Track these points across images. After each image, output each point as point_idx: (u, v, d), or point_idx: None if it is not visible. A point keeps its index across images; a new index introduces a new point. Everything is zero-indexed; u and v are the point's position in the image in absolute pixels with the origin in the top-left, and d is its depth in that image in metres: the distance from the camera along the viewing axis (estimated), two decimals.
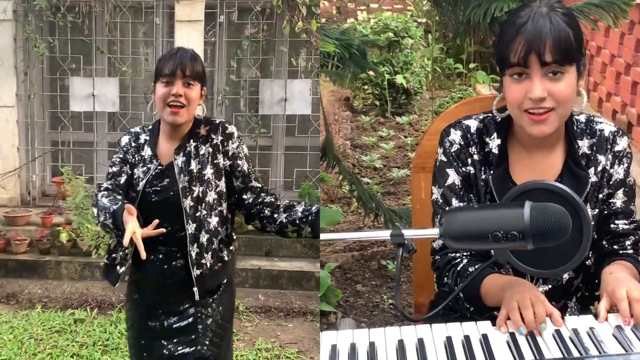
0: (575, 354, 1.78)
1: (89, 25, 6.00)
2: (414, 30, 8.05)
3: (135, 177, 2.62)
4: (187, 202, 2.54)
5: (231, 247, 2.69)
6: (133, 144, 2.67)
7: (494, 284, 2.08)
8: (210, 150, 2.60)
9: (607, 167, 2.20)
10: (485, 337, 1.86)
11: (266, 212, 2.61)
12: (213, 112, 6.18)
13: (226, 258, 2.64)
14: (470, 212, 1.79)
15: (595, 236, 2.19)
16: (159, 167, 2.61)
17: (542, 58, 1.98)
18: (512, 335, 1.86)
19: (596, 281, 2.24)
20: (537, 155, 2.18)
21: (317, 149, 6.11)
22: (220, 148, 2.60)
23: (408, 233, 1.81)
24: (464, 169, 2.22)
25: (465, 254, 2.22)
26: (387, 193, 6.16)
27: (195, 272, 2.54)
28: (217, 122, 2.66)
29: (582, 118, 2.22)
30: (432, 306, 2.49)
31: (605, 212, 2.21)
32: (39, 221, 5.85)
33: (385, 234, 1.82)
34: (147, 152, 2.65)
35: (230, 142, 2.61)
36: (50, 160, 6.48)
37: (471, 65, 8.80)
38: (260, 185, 2.66)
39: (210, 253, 2.56)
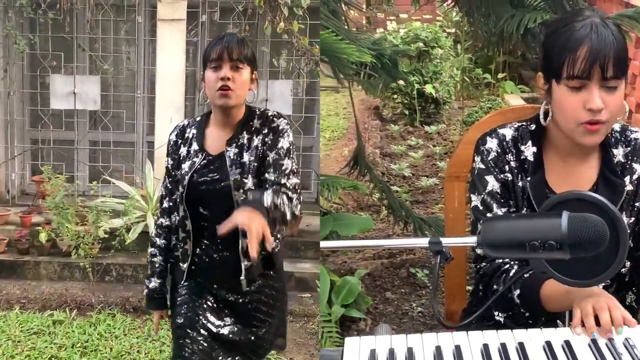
0: None
1: (70, 22, 5.89)
2: (444, 41, 8.07)
3: (183, 171, 2.65)
4: (239, 195, 2.55)
5: (278, 236, 2.75)
6: (180, 141, 2.73)
7: (558, 289, 2.06)
8: (260, 143, 2.61)
9: None
10: (521, 345, 1.88)
11: None
12: (195, 112, 6.15)
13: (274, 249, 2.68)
14: (507, 221, 1.81)
15: (632, 245, 2.20)
16: (209, 158, 2.64)
17: (605, 71, 2.00)
18: (549, 343, 1.88)
19: (634, 289, 2.26)
20: (573, 163, 2.20)
21: (297, 150, 6.04)
22: (265, 140, 2.61)
23: (446, 241, 1.84)
24: (502, 175, 2.24)
25: (514, 260, 2.22)
26: (416, 202, 6.18)
27: (245, 264, 2.58)
28: (270, 114, 2.69)
29: (617, 127, 2.24)
30: (465, 314, 2.51)
31: None
32: (18, 220, 5.76)
33: (423, 242, 1.85)
34: (194, 146, 2.68)
35: (271, 134, 2.62)
36: (30, 159, 6.38)
37: (499, 76, 8.79)
38: (275, 179, 2.58)
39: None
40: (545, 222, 1.73)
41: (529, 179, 2.21)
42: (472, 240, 1.83)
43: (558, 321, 2.14)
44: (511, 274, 2.19)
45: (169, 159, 2.76)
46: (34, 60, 6.28)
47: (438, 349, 1.87)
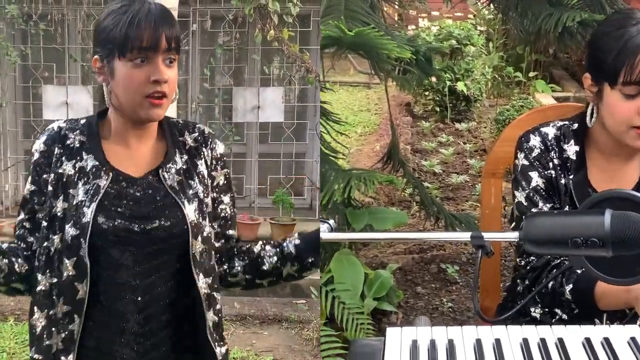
0: None
1: (62, 33, 5.97)
2: (476, 38, 8.07)
3: (74, 202, 1.77)
4: (198, 246, 1.83)
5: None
6: (56, 149, 1.83)
7: (615, 286, 2.05)
8: (205, 172, 1.92)
9: None
10: (561, 340, 1.90)
11: (236, 264, 2.01)
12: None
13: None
14: (550, 217, 1.83)
15: None
16: (123, 180, 1.82)
17: None
18: (588, 340, 1.89)
19: None
20: (616, 163, 2.22)
21: (290, 156, 6.21)
22: (213, 175, 1.95)
23: (488, 235, 1.86)
24: (546, 172, 2.25)
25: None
26: (446, 198, 6.20)
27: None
28: (204, 130, 1.96)
29: None
30: (500, 309, 2.53)
31: None
32: (11, 231, 5.55)
33: (465, 236, 1.88)
34: (88, 161, 1.82)
35: (216, 163, 1.94)
36: (24, 170, 6.32)
37: (530, 74, 8.77)
38: (235, 235, 2.02)
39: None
40: (588, 220, 1.74)
41: (571, 177, 2.23)
42: (514, 235, 1.84)
43: (596, 320, 2.15)
44: (563, 267, 2.19)
45: (32, 181, 1.84)
46: (26, 71, 6.29)
47: (478, 341, 1.89)
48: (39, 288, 1.81)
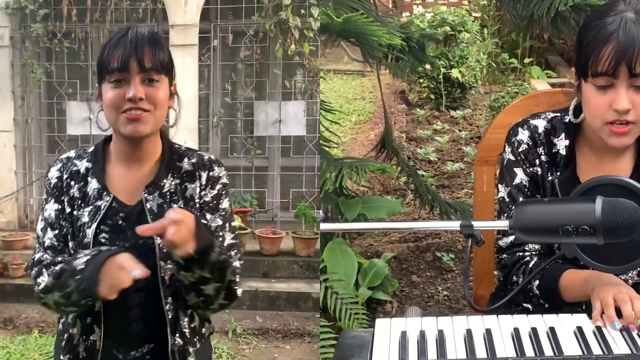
0: None
1: (85, 50, 6.15)
2: (471, 25, 8.02)
3: (78, 223, 1.94)
4: (166, 268, 1.91)
5: (203, 330, 2.12)
6: (66, 176, 1.99)
7: (575, 278, 2.07)
8: (196, 195, 1.98)
9: None
10: (552, 329, 1.87)
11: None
12: (209, 135, 6.35)
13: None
14: (540, 205, 1.80)
15: None
16: (118, 205, 1.95)
17: (633, 69, 1.93)
18: (580, 328, 1.87)
19: None
20: (606, 158, 2.16)
21: (312, 169, 6.22)
22: (202, 195, 1.99)
23: (478, 224, 1.84)
24: (531, 169, 2.21)
25: (534, 252, 2.21)
26: (442, 186, 6.17)
27: None
28: (205, 157, 2.04)
29: None
30: (493, 298, 2.50)
31: None
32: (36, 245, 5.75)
33: (455, 225, 1.85)
34: (92, 185, 1.97)
35: (210, 187, 1.97)
36: None
37: (526, 60, 8.73)
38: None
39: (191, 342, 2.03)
40: (579, 207, 1.72)
41: (559, 174, 2.18)
42: (503, 224, 1.82)
43: (579, 309, 2.12)
44: (531, 265, 2.18)
45: (51, 202, 1.98)
46: (51, 88, 6.45)
47: (469, 332, 1.87)
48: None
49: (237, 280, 1.96)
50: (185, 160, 2.02)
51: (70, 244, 1.95)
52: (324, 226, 1.84)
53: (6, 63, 6.33)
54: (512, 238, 2.22)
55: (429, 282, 4.56)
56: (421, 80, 8.10)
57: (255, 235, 5.81)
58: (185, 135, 5.97)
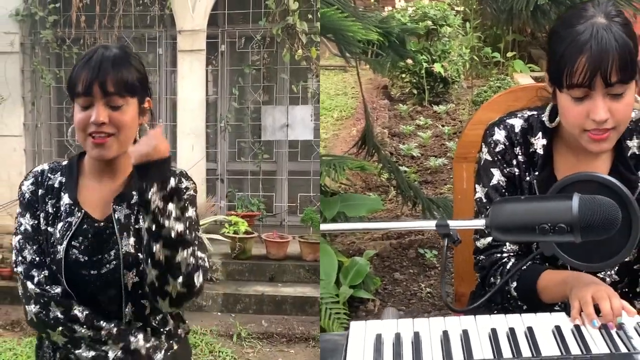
0: (623, 349, 1.75)
1: None
2: (453, 19, 7.98)
3: (52, 239, 1.95)
4: (131, 277, 1.92)
5: (179, 331, 2.10)
6: (39, 190, 1.99)
7: (553, 279, 2.04)
8: None
9: None
10: (530, 329, 1.84)
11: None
12: (217, 139, 6.45)
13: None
14: (517, 203, 1.77)
15: None
16: (88, 221, 1.95)
17: (608, 79, 1.89)
18: (558, 328, 1.84)
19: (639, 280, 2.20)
20: (584, 157, 2.11)
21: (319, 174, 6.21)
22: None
23: (454, 224, 1.81)
24: (508, 169, 2.17)
25: (512, 253, 2.18)
26: (425, 182, 6.14)
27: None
28: (177, 172, 2.01)
29: (632, 115, 2.10)
30: (473, 296, 2.47)
31: None
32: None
33: (430, 224, 1.82)
34: (64, 200, 1.97)
35: (176, 197, 1.85)
36: None
37: (509, 54, 8.70)
38: None
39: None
40: (556, 205, 1.70)
41: (536, 174, 2.15)
42: (480, 223, 1.80)
43: (556, 308, 2.10)
44: (508, 267, 2.15)
45: (27, 216, 1.98)
46: (60, 93, 6.53)
47: (445, 333, 1.83)
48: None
49: (199, 272, 1.86)
50: None
51: (47, 260, 1.96)
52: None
53: (16, 69, 6.47)
54: (489, 239, 2.19)
55: (411, 279, 4.53)
56: (403, 75, 8.07)
57: (262, 239, 5.84)
58: (192, 139, 6.17)
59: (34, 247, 1.96)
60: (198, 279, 1.85)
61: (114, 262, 1.92)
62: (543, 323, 1.88)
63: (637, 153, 2.12)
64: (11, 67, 6.42)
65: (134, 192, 1.92)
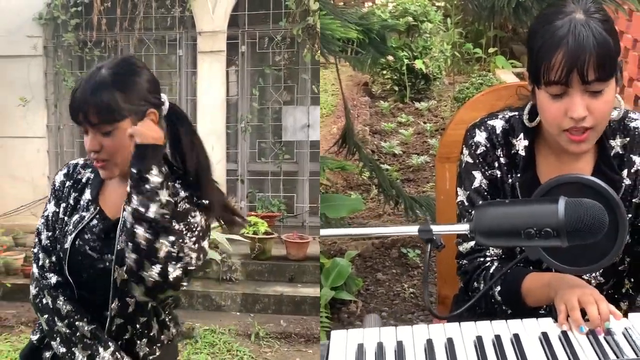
0: (611, 355, 1.71)
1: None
2: (433, 15, 7.94)
3: (65, 229, 2.05)
4: (121, 273, 1.95)
5: (162, 337, 2.11)
6: (67, 182, 2.10)
7: (537, 282, 2.00)
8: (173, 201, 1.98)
9: None
10: (516, 336, 1.79)
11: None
12: (237, 140, 6.54)
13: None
14: (501, 207, 1.72)
15: (630, 241, 2.09)
16: (102, 220, 2.02)
17: (585, 76, 1.85)
18: (545, 334, 1.80)
19: (624, 280, 2.17)
20: (566, 158, 2.07)
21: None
22: (178, 202, 1.99)
23: (437, 229, 1.75)
24: (490, 172, 2.13)
25: (495, 257, 2.14)
26: (407, 180, 6.10)
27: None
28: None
29: (615, 114, 2.05)
30: (456, 301, 2.43)
31: None
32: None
33: (413, 230, 1.77)
34: (85, 195, 2.07)
35: (185, 201, 1.97)
36: None
37: (490, 50, 8.68)
38: None
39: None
40: (541, 208, 1.66)
41: (519, 175, 2.11)
42: (463, 227, 1.75)
43: (541, 312, 2.05)
44: (491, 271, 2.11)
45: (52, 204, 2.10)
46: None
47: (429, 342, 1.78)
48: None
49: (177, 264, 1.86)
50: (176, 177, 2.04)
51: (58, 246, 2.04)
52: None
53: (40, 72, 6.65)
54: (472, 243, 2.15)
55: (394, 279, 4.49)
56: (384, 72, 8.02)
57: (282, 240, 5.85)
58: (213, 140, 6.19)
59: (49, 233, 2.07)
60: (175, 271, 1.84)
61: (113, 259, 1.97)
62: (529, 329, 1.83)
63: (621, 152, 2.08)
64: (34, 70, 6.61)
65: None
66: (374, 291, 4.36)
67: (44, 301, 2.01)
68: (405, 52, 7.70)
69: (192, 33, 6.51)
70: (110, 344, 1.98)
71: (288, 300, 5.31)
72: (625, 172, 2.07)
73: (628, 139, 2.08)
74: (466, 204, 2.15)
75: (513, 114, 2.14)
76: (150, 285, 1.84)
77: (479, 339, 1.79)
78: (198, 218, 1.96)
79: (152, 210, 1.84)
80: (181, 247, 1.87)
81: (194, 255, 1.90)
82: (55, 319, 1.98)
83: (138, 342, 2.04)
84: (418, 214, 4.57)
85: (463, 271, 2.18)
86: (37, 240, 2.09)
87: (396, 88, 8.05)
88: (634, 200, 2.08)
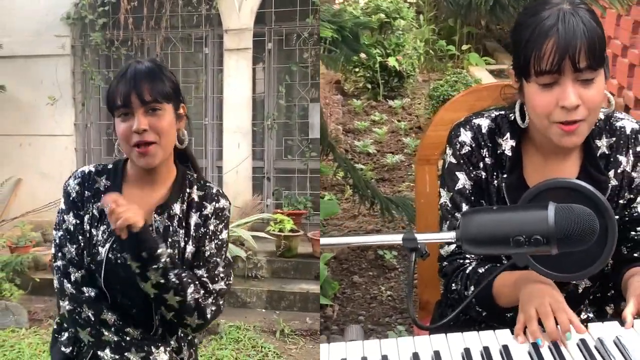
0: None
1: (142, 57, 6.28)
2: (406, 11, 7.87)
3: (93, 240, 2.04)
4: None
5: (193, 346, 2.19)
6: (86, 192, 2.07)
7: (507, 281, 1.94)
8: (201, 223, 2.07)
9: (628, 170, 2.04)
10: (505, 348, 1.74)
11: None
12: (264, 137, 6.57)
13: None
14: (489, 214, 1.66)
15: None
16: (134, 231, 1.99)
17: (577, 63, 1.81)
18: (534, 345, 1.73)
19: (610, 284, 2.12)
20: (554, 159, 2.03)
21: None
22: (207, 223, 2.08)
23: (421, 237, 1.69)
24: (475, 172, 2.07)
25: (474, 259, 2.08)
26: (382, 179, 6.03)
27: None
28: (214, 189, 2.14)
29: (601, 114, 2.02)
30: (438, 306, 2.37)
31: (627, 218, 2.06)
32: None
33: (397, 238, 1.70)
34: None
35: (214, 218, 2.08)
36: None
37: (464, 47, 8.64)
38: (211, 288, 2.05)
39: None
40: (531, 215, 1.61)
41: (505, 176, 2.05)
42: (450, 235, 1.69)
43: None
44: (467, 271, 2.06)
45: (71, 215, 2.06)
46: None
47: (415, 355, 1.72)
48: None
49: (213, 301, 2.04)
50: (195, 188, 2.11)
51: (86, 260, 2.03)
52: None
53: (67, 71, 6.81)
54: (453, 246, 2.10)
55: (371, 282, 4.42)
56: (357, 70, 7.96)
57: (308, 237, 5.82)
58: (239, 138, 6.33)
59: (74, 246, 2.04)
60: (210, 307, 2.03)
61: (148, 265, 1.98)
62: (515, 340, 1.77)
63: (607, 153, 2.04)
64: (62, 69, 6.77)
65: (175, 205, 2.06)
66: (350, 294, 4.29)
67: (83, 315, 2.01)
68: (378, 49, 7.63)
69: (218, 31, 6.58)
70: (160, 344, 2.04)
71: (314, 298, 5.27)
72: (611, 173, 2.03)
73: (614, 138, 2.04)
74: (449, 205, 2.10)
75: (500, 112, 2.09)
76: (195, 326, 2.02)
77: (467, 351, 1.73)
78: (224, 234, 2.10)
79: (172, 279, 1.94)
80: (212, 277, 2.05)
81: (223, 280, 2.08)
82: (102, 329, 2.00)
83: (182, 345, 2.12)
84: (395, 215, 4.51)
85: (443, 273, 2.14)
86: (59, 253, 2.06)
87: (369, 86, 7.98)
88: (620, 201, 2.05)
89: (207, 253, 2.06)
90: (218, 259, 2.08)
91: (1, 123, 6.75)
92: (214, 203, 2.09)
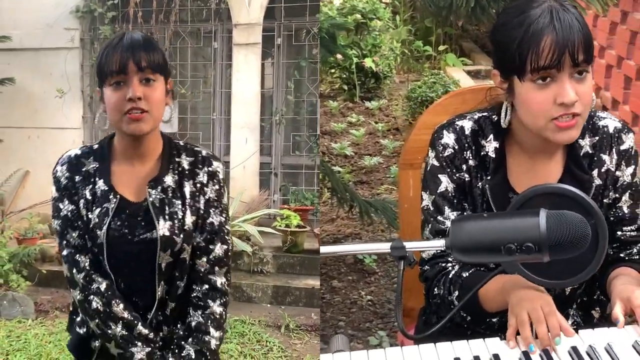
0: None
1: None
2: (382, 12, 7.84)
3: (91, 224, 2.03)
4: (165, 258, 2.02)
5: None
6: (76, 176, 2.07)
7: (493, 286, 1.90)
8: (195, 189, 2.08)
9: (612, 169, 2.04)
10: (496, 357, 1.70)
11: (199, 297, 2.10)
12: (272, 132, 6.52)
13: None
14: (479, 221, 1.63)
15: None
16: (125, 204, 2.04)
17: (576, 57, 1.80)
18: (525, 353, 1.71)
19: (596, 284, 2.10)
20: (538, 159, 2.01)
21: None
22: (205, 190, 2.08)
23: (410, 245, 1.65)
24: (458, 175, 2.04)
25: (456, 262, 2.05)
26: (360, 182, 6.00)
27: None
28: (203, 153, 2.13)
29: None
30: (422, 313, 2.33)
31: (612, 218, 2.06)
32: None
33: (385, 247, 1.66)
34: (99, 185, 2.06)
35: (211, 184, 2.09)
36: None
37: (440, 48, 8.64)
38: (217, 253, 2.10)
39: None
40: (522, 222, 1.58)
41: (489, 178, 2.02)
42: (439, 243, 1.65)
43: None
44: (450, 276, 2.03)
45: (66, 202, 2.07)
46: None
47: None
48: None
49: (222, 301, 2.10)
50: (184, 156, 2.11)
51: (88, 243, 2.04)
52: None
53: (76, 64, 6.76)
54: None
55: (351, 286, 4.39)
56: (333, 71, 7.93)
57: (314, 233, 5.75)
58: (247, 133, 6.32)
59: (76, 232, 2.05)
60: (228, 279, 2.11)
61: (150, 244, 2.01)
62: (509, 349, 1.74)
63: (590, 152, 2.04)
64: (71, 62, 6.73)
65: (166, 176, 2.05)
66: (330, 299, 4.25)
67: (94, 306, 2.02)
68: (355, 50, 7.61)
69: (227, 25, 6.52)
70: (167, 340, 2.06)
71: (319, 294, 5.19)
72: (595, 172, 2.03)
73: (597, 137, 2.04)
74: (431, 209, 2.07)
75: (482, 114, 2.07)
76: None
77: None
78: (224, 197, 2.12)
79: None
80: (226, 252, 2.10)
81: (228, 244, 2.12)
82: (110, 323, 2.01)
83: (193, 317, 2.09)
84: (374, 218, 4.47)
85: (425, 277, 2.11)
86: (63, 242, 2.08)
87: (345, 87, 7.96)
88: (604, 200, 2.04)
89: (216, 224, 2.08)
90: (226, 228, 2.12)
91: (10, 115, 6.71)
92: (206, 167, 2.10)
